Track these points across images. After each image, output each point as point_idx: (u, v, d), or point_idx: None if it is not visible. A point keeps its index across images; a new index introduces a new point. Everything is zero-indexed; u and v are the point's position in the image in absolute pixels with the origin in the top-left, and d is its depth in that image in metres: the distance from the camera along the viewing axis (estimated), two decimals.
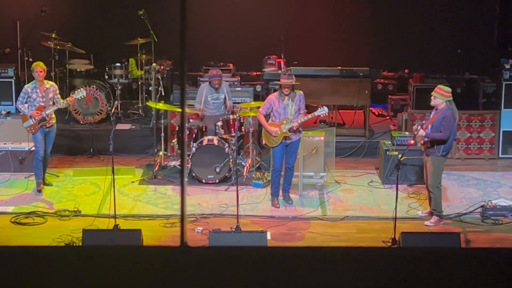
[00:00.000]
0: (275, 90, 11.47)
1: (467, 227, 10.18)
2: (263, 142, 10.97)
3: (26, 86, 11.21)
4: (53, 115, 11.21)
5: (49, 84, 11.21)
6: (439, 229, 10.06)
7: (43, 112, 11.01)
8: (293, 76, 10.59)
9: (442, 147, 9.89)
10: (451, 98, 9.95)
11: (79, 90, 11.24)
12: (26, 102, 11.04)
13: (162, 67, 13.61)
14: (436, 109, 9.97)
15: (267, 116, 10.70)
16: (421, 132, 9.86)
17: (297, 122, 10.49)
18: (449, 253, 2.80)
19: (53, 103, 11.10)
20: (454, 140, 10.19)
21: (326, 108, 10.68)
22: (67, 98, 11.14)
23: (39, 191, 11.19)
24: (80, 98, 11.41)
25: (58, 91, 11.26)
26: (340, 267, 2.71)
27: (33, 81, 11.12)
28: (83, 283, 2.66)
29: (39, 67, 11.03)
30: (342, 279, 2.70)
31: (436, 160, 9.96)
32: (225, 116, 11.78)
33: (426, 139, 9.95)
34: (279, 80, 10.70)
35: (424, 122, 10.07)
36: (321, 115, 10.89)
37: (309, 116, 10.64)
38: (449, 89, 10.03)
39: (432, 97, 9.96)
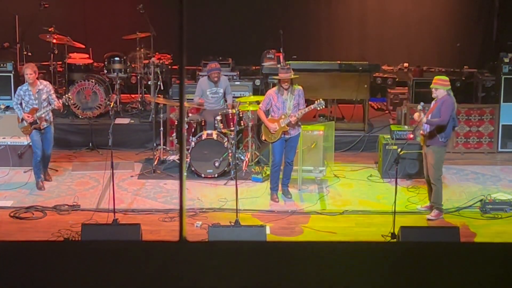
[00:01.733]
0: (273, 85, 11.45)
1: (466, 221, 10.19)
2: (263, 138, 10.96)
3: (19, 87, 11.03)
4: (46, 118, 11.01)
5: (43, 84, 10.93)
6: (438, 223, 10.07)
7: (35, 115, 10.84)
8: (291, 70, 10.58)
9: (443, 134, 9.90)
10: (450, 87, 10.02)
11: (67, 96, 11.16)
12: (21, 103, 10.92)
13: (161, 61, 13.60)
14: (435, 100, 10.01)
15: (266, 112, 10.69)
16: (423, 119, 9.86)
17: (295, 116, 10.48)
18: (448, 247, 2.80)
19: (48, 104, 10.94)
20: (454, 128, 10.19)
21: (323, 102, 10.66)
22: (56, 103, 10.91)
23: (40, 188, 11.15)
24: (67, 101, 11.23)
25: (52, 91, 11.04)
26: (339, 262, 2.71)
27: (26, 83, 10.89)
28: (82, 278, 2.66)
29: (29, 69, 10.74)
30: (341, 273, 2.70)
31: (438, 151, 9.96)
32: (224, 111, 11.78)
33: (425, 128, 9.92)
34: (277, 75, 10.70)
35: (424, 112, 10.05)
36: (318, 108, 10.87)
37: (306, 109, 10.62)
38: (447, 78, 10.11)
39: (433, 90, 9.99)
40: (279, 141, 10.63)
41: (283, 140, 10.64)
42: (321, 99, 10.69)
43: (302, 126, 10.95)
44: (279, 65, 13.22)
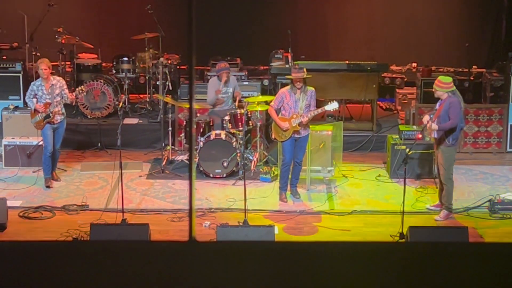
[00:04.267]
0: (282, 85, 11.43)
1: (475, 221, 10.16)
2: (273, 137, 10.95)
3: (32, 83, 11.17)
4: (61, 111, 11.14)
5: (56, 79, 11.09)
6: (447, 223, 10.05)
7: (48, 109, 10.94)
8: (304, 69, 10.56)
9: (451, 136, 9.88)
10: (453, 88, 9.95)
11: (80, 88, 11.23)
12: (34, 97, 11.02)
13: (169, 62, 13.61)
14: (441, 100, 10.00)
15: (277, 110, 10.68)
16: (434, 126, 9.83)
17: (307, 116, 10.47)
18: (456, 247, 2.80)
19: (61, 98, 11.07)
20: (461, 129, 10.17)
21: (336, 103, 10.64)
22: (68, 94, 11.06)
23: (48, 186, 11.20)
24: (79, 93, 11.29)
25: (65, 86, 11.17)
26: (347, 262, 2.71)
27: (40, 78, 11.04)
28: (91, 278, 2.67)
29: (43, 64, 10.88)
30: (349, 273, 2.70)
31: (447, 151, 9.94)
32: (233, 111, 11.78)
33: (435, 134, 9.93)
34: (289, 75, 10.70)
35: (431, 115, 10.04)
36: (331, 110, 10.87)
37: (319, 110, 10.61)
38: (449, 80, 10.01)
39: (433, 90, 10.02)
40: (289, 140, 10.62)
41: (293, 139, 10.64)
42: (334, 101, 10.67)
43: (310, 126, 10.94)
44: (287, 65, 13.22)
